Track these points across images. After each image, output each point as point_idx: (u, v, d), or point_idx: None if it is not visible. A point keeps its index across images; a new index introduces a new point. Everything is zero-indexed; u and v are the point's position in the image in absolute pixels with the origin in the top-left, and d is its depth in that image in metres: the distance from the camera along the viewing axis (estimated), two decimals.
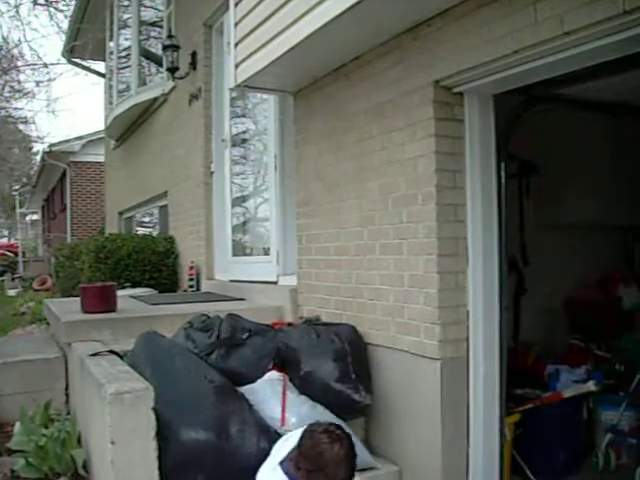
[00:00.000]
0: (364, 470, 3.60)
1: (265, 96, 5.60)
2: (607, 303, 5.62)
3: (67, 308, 5.01)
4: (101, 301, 4.78)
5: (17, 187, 28.99)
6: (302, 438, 2.69)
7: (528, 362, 5.19)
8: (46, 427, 4.07)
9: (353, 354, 3.73)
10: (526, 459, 4.44)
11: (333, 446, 2.60)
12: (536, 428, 4.37)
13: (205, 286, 6.73)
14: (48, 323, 6.39)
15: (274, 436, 3.25)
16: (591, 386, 4.53)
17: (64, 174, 20.11)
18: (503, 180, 3.57)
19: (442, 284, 3.38)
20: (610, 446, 4.64)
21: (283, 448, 2.81)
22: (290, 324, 4.19)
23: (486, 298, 3.48)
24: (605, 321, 5.40)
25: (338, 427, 2.73)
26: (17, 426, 4.18)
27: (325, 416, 3.49)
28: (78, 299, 4.90)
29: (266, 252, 5.74)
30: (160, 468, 2.99)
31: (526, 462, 4.44)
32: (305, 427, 2.75)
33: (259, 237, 6.37)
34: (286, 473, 2.72)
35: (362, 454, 3.62)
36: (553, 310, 5.68)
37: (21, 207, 29.27)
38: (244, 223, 6.69)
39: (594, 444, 4.80)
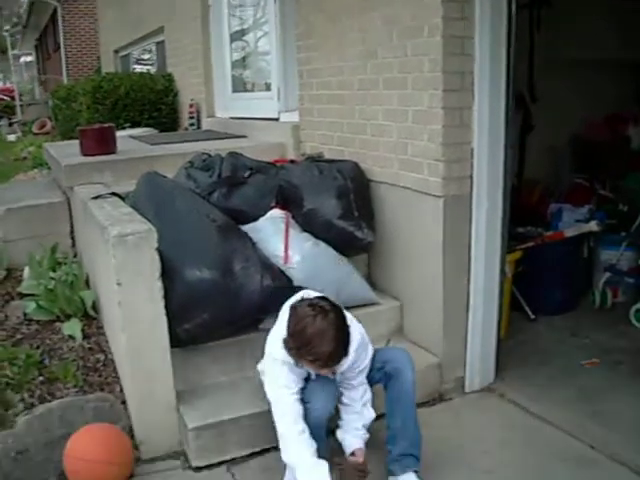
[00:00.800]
0: (366, 305, 3.71)
1: None
2: (615, 142, 5.53)
3: (67, 152, 4.94)
4: (100, 143, 4.70)
5: (7, 27, 27.93)
6: (289, 316, 2.61)
7: (531, 200, 5.19)
8: (54, 271, 4.13)
9: (356, 191, 3.69)
10: (525, 296, 4.56)
11: (316, 319, 2.49)
12: (536, 266, 4.44)
13: (206, 124, 6.62)
14: (49, 168, 6.35)
15: (278, 273, 3.30)
16: (593, 226, 4.56)
17: (55, 11, 19.33)
18: (513, 11, 3.35)
19: (447, 120, 3.26)
20: (607, 285, 4.75)
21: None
22: (292, 161, 4.13)
23: (491, 135, 3.37)
24: (612, 161, 5.33)
25: (324, 299, 2.63)
26: (26, 271, 4.24)
27: (328, 253, 3.54)
28: (78, 142, 4.80)
29: (267, 88, 5.58)
30: (167, 307, 3.03)
31: (525, 299, 4.56)
32: (291, 303, 2.68)
33: (259, 72, 6.16)
34: None
35: (364, 290, 3.72)
36: (559, 148, 5.61)
37: (13, 49, 28.34)
38: (244, 58, 6.47)
39: (592, 283, 4.90)
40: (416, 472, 2.84)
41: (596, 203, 5.13)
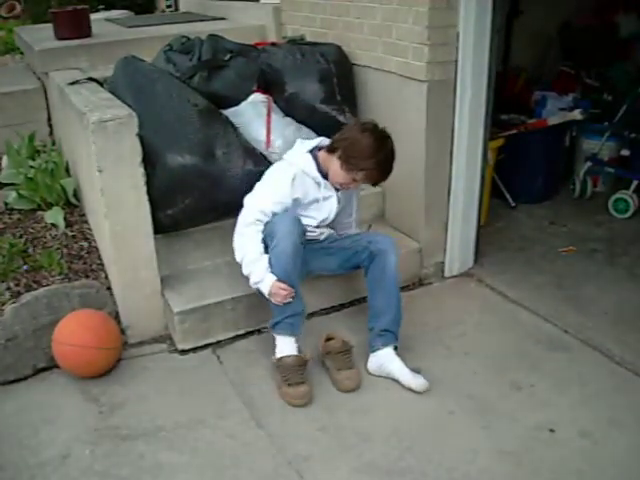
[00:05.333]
0: None
1: None
2: (603, 30, 5.40)
3: (40, 36, 4.76)
4: (74, 26, 4.53)
5: None
6: (347, 128, 2.87)
7: (516, 88, 5.12)
8: (33, 159, 4.04)
9: (339, 75, 3.64)
10: (506, 183, 4.59)
11: (387, 141, 2.80)
12: (518, 154, 4.45)
13: (184, 5, 6.40)
14: (22, 53, 6.13)
15: (259, 158, 3.28)
16: (577, 114, 4.53)
17: None
18: None
19: (432, 2, 3.15)
20: (588, 174, 4.77)
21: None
22: (274, 44, 4.00)
23: (478, 19, 3.27)
24: (599, 48, 5.23)
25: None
26: (4, 160, 4.15)
27: (310, 137, 3.50)
28: (50, 25, 4.64)
29: None
30: (149, 193, 3.02)
31: (506, 186, 4.60)
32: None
33: None
34: (314, 158, 2.90)
35: None
36: (547, 35, 5.49)
37: None
38: None
39: (573, 172, 4.92)
40: (396, 348, 2.92)
41: (581, 92, 5.08)
